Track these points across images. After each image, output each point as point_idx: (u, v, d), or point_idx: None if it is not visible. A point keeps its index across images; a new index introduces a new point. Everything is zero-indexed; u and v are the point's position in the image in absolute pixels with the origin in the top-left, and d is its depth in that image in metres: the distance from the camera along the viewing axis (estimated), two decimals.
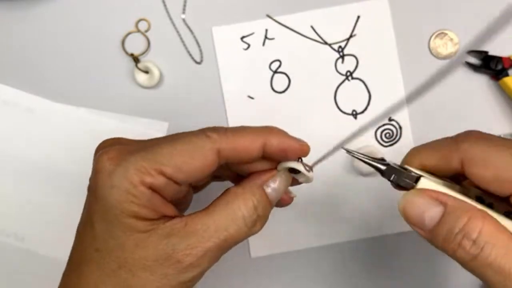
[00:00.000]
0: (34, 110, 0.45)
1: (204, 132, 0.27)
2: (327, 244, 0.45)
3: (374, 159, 0.29)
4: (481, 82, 0.45)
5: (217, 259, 0.27)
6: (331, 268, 0.45)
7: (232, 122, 0.45)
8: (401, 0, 0.45)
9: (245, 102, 0.45)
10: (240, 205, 0.27)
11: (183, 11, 0.46)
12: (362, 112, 0.45)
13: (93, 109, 0.45)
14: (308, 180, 0.30)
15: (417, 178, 0.27)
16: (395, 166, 0.28)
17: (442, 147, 0.27)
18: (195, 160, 0.26)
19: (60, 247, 0.45)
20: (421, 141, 0.44)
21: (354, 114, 0.45)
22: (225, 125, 0.45)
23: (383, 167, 0.28)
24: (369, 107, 0.45)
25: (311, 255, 0.45)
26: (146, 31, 0.45)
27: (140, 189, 0.25)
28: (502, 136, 0.43)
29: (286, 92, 0.45)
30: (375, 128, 0.45)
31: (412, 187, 0.27)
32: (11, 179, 0.45)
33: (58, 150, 0.45)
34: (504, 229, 0.24)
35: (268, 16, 0.45)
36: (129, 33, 0.45)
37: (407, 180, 0.27)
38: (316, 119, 0.45)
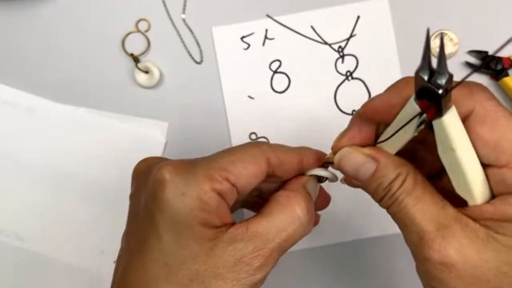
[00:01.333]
0: (34, 110, 0.45)
1: (255, 143, 0.30)
2: (327, 244, 0.45)
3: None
4: (481, 82, 0.44)
5: (278, 259, 0.28)
6: (331, 268, 0.45)
7: (232, 122, 0.45)
8: (401, 0, 0.45)
9: (245, 102, 0.45)
10: (295, 206, 0.28)
11: (183, 11, 0.46)
12: None
13: (93, 109, 0.45)
14: (333, 180, 0.32)
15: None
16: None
17: (457, 91, 0.25)
18: (252, 167, 0.28)
19: (60, 247, 0.45)
20: None
21: None
22: (225, 125, 0.45)
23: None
24: None
25: (311, 255, 0.45)
26: (146, 31, 0.46)
27: (211, 195, 0.26)
28: None
29: (286, 92, 0.45)
30: None
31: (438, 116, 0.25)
32: (11, 179, 0.45)
33: (58, 150, 0.45)
34: (425, 185, 0.26)
35: (268, 16, 0.45)
36: (129, 33, 0.45)
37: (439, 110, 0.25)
38: (316, 119, 0.45)
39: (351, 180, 0.29)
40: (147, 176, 0.28)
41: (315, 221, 0.32)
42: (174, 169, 0.27)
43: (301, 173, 0.31)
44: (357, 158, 0.28)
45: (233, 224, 0.27)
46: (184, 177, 0.26)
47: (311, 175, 0.31)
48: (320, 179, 0.32)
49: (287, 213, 0.28)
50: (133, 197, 0.30)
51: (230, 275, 0.26)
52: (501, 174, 0.24)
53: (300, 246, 0.45)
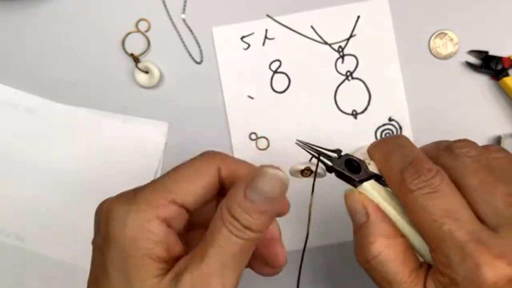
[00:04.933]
0: (34, 110, 0.45)
1: (204, 153, 0.28)
2: (327, 244, 0.45)
3: (326, 151, 0.29)
4: (481, 82, 0.45)
5: (230, 277, 0.25)
6: (331, 268, 0.45)
7: (232, 122, 0.45)
8: (401, 0, 0.45)
9: (245, 102, 0.45)
10: (222, 219, 0.25)
11: (183, 11, 0.46)
12: (362, 112, 0.45)
13: (93, 109, 0.45)
14: (321, 176, 0.30)
15: (367, 178, 0.28)
16: (339, 167, 0.29)
17: (390, 173, 0.27)
18: (199, 180, 0.26)
19: (60, 247, 0.45)
20: (421, 141, 0.44)
21: (354, 114, 0.45)
22: (225, 125, 0.45)
23: (328, 163, 0.29)
24: (369, 107, 0.45)
25: (311, 255, 0.45)
26: (146, 31, 0.46)
27: (155, 224, 0.24)
28: (502, 136, 0.43)
29: (286, 92, 0.45)
30: (374, 128, 0.45)
31: (355, 186, 0.29)
32: (11, 179, 0.45)
33: (58, 150, 0.45)
34: (405, 260, 0.26)
35: (268, 16, 0.45)
36: (129, 33, 0.45)
37: (352, 181, 0.29)
38: (316, 119, 0.45)
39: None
40: (100, 217, 0.27)
41: (283, 211, 0.30)
42: (117, 200, 0.26)
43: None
44: (355, 204, 0.28)
45: (179, 257, 0.25)
46: (126, 207, 0.25)
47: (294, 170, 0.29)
48: (304, 172, 0.29)
49: (220, 238, 0.25)
50: (93, 243, 0.28)
51: None
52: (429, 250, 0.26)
53: (300, 246, 0.45)
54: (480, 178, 0.26)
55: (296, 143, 0.29)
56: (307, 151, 0.29)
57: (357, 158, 0.29)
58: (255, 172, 0.25)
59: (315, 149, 0.29)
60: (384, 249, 0.26)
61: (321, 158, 0.29)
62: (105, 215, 0.25)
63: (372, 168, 0.29)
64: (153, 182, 0.26)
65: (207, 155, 0.28)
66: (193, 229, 0.30)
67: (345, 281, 0.45)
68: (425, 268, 0.27)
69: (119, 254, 0.24)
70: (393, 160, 0.27)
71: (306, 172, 0.29)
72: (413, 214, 0.26)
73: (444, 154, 0.27)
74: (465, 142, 0.27)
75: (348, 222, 0.30)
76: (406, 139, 0.29)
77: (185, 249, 0.26)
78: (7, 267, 0.45)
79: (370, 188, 0.28)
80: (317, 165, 0.29)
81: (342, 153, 0.29)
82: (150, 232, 0.24)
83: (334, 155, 0.29)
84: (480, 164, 0.26)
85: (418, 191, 0.25)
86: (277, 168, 0.26)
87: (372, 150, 0.29)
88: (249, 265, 0.30)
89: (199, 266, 0.24)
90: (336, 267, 0.45)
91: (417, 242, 0.27)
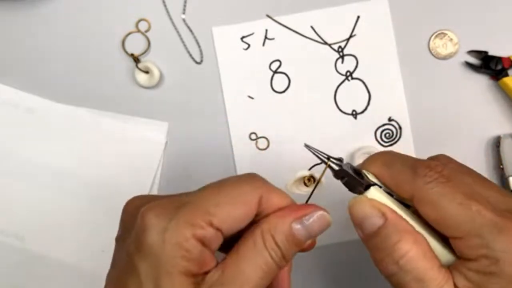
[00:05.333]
0: (34, 110, 0.45)
1: (250, 177, 0.28)
2: (327, 244, 0.45)
3: (332, 158, 0.29)
4: (480, 82, 0.45)
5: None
6: (331, 267, 0.45)
7: (232, 122, 0.45)
8: (401, 0, 0.45)
9: (245, 102, 0.45)
10: (265, 244, 0.26)
11: (183, 11, 0.46)
12: (362, 112, 0.45)
13: (93, 109, 0.45)
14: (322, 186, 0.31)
15: (368, 186, 0.28)
16: (348, 170, 0.28)
17: (399, 175, 0.28)
18: (241, 209, 0.26)
19: (60, 247, 0.45)
20: (421, 141, 0.45)
21: (354, 114, 0.45)
22: (225, 125, 0.45)
23: (336, 167, 0.29)
24: (369, 107, 0.45)
25: (311, 255, 0.45)
26: (146, 31, 0.46)
27: (192, 243, 0.25)
28: (502, 136, 0.43)
29: (286, 92, 0.45)
30: (374, 128, 0.45)
31: (361, 193, 0.28)
32: (11, 179, 0.45)
33: (58, 150, 0.45)
34: (432, 256, 0.26)
35: (268, 16, 0.45)
36: (129, 33, 0.45)
37: (359, 187, 0.28)
38: (316, 119, 0.45)
39: (355, 229, 0.28)
40: (133, 219, 0.27)
41: (310, 245, 0.30)
42: (158, 213, 0.26)
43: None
44: (366, 209, 0.27)
45: (210, 270, 0.26)
46: (166, 222, 0.25)
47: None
48: (307, 183, 0.30)
49: (256, 255, 0.26)
50: (119, 241, 0.29)
51: None
52: (454, 244, 0.26)
53: None
54: (473, 177, 0.27)
55: (305, 147, 0.29)
56: (316, 155, 0.29)
57: (357, 167, 0.29)
58: (302, 208, 0.27)
59: (323, 154, 0.29)
60: (413, 245, 0.26)
61: (330, 164, 0.29)
62: (141, 223, 0.26)
63: (372, 178, 0.29)
64: (195, 198, 0.26)
65: (252, 181, 0.28)
66: None
67: (341, 281, 0.45)
68: (446, 267, 0.26)
69: (154, 267, 0.25)
70: (397, 164, 0.28)
71: (307, 181, 0.29)
72: (433, 206, 0.26)
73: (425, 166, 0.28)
74: (441, 156, 0.29)
75: (343, 224, 0.29)
76: (394, 151, 0.30)
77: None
78: (7, 267, 0.45)
79: (378, 193, 0.28)
80: (325, 169, 0.29)
81: (344, 162, 0.29)
82: (186, 251, 0.25)
83: (337, 162, 0.29)
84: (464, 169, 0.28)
85: (435, 182, 0.26)
86: (322, 208, 0.28)
87: (368, 165, 0.29)
88: None
89: (233, 282, 0.25)
90: (331, 267, 0.45)
91: (434, 242, 0.27)
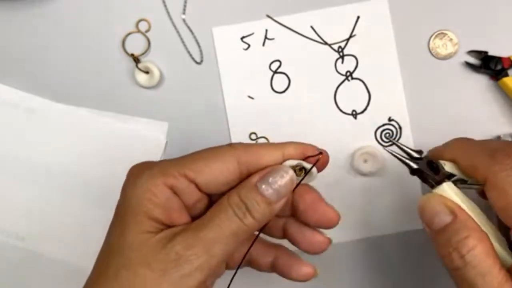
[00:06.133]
0: (34, 110, 0.45)
1: (229, 144, 0.29)
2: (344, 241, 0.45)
3: (412, 151, 0.31)
4: (480, 82, 0.45)
5: (217, 255, 0.27)
6: (331, 267, 0.45)
7: (232, 122, 0.45)
8: (401, 0, 0.45)
9: (245, 102, 0.45)
10: (228, 199, 0.28)
11: (183, 11, 0.46)
12: (362, 112, 0.45)
13: (94, 109, 0.45)
14: (311, 178, 0.30)
15: (439, 182, 0.30)
16: (424, 166, 0.30)
17: (477, 157, 0.29)
18: (216, 164, 0.28)
19: (60, 247, 0.45)
20: (421, 141, 0.45)
21: (354, 114, 0.45)
22: (225, 125, 0.45)
23: (414, 166, 0.30)
24: (369, 107, 0.45)
25: (311, 255, 0.45)
26: (147, 31, 0.46)
27: (160, 188, 0.27)
28: (501, 136, 0.43)
29: (286, 92, 0.45)
30: (374, 128, 0.45)
31: (433, 186, 0.30)
32: (11, 179, 0.45)
33: (58, 150, 0.45)
34: (495, 256, 0.27)
35: (268, 16, 0.45)
36: (129, 33, 0.45)
37: (431, 181, 0.30)
38: (316, 119, 0.45)
39: (424, 226, 0.29)
40: None
41: (322, 244, 0.32)
42: (140, 166, 0.28)
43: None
44: (436, 206, 0.29)
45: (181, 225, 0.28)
46: (141, 171, 0.28)
47: (280, 168, 0.29)
48: (297, 172, 0.29)
49: (222, 208, 0.27)
50: None
51: (158, 265, 0.25)
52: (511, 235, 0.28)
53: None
54: None
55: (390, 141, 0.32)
56: (393, 154, 0.31)
57: (435, 156, 0.31)
58: (269, 168, 0.28)
59: (399, 147, 0.31)
60: (479, 243, 0.27)
61: (407, 161, 0.30)
62: (127, 176, 0.28)
63: (448, 168, 0.30)
64: (175, 158, 0.28)
65: (231, 145, 0.29)
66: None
67: (351, 279, 0.46)
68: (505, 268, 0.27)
69: (124, 209, 0.27)
70: (476, 148, 0.30)
71: (298, 171, 0.30)
72: (504, 193, 0.27)
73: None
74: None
75: (354, 221, 0.30)
76: (473, 139, 0.32)
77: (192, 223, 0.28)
78: (7, 267, 0.45)
79: (449, 189, 0.29)
80: (311, 168, 0.30)
81: (423, 155, 0.31)
82: (153, 195, 0.27)
83: (417, 155, 0.31)
84: None
85: (511, 170, 0.27)
86: (301, 161, 0.29)
87: (447, 151, 0.31)
88: (297, 243, 0.33)
89: (195, 233, 0.26)
90: (342, 265, 0.45)
91: (496, 243, 0.28)
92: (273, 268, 0.34)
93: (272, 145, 0.30)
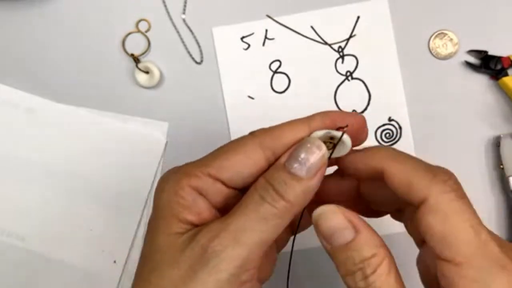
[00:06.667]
0: (34, 110, 0.45)
1: (250, 132, 0.27)
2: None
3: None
4: (480, 82, 0.45)
5: (246, 245, 0.24)
6: (331, 268, 0.45)
7: (232, 122, 0.45)
8: (401, 0, 0.45)
9: (245, 102, 0.45)
10: (255, 185, 0.26)
11: (183, 11, 0.46)
12: (362, 112, 0.45)
13: (94, 109, 0.45)
14: (345, 149, 0.27)
15: None
16: None
17: (414, 173, 0.25)
18: (238, 157, 0.26)
19: (60, 247, 0.45)
20: (421, 141, 0.45)
21: None
22: (225, 125, 0.45)
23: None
24: (369, 107, 0.45)
25: (311, 255, 0.45)
26: (147, 31, 0.46)
27: (187, 191, 0.26)
28: (502, 136, 0.43)
29: (286, 92, 0.45)
30: (374, 128, 0.45)
31: None
32: (11, 179, 0.45)
33: (58, 150, 0.45)
34: (397, 273, 0.24)
35: (268, 16, 0.45)
36: (129, 33, 0.45)
37: None
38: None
39: (321, 240, 0.26)
40: None
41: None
42: (168, 172, 0.28)
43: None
44: (338, 221, 0.25)
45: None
46: (168, 176, 0.27)
47: (311, 141, 0.26)
48: (328, 145, 0.26)
49: (248, 208, 0.25)
50: None
51: (185, 263, 0.24)
52: (443, 268, 0.23)
53: (300, 246, 0.45)
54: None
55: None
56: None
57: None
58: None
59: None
60: (383, 260, 0.24)
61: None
62: (157, 183, 0.28)
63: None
64: (200, 158, 0.28)
65: (252, 133, 0.27)
66: None
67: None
68: None
69: (155, 215, 0.27)
70: (410, 162, 0.25)
71: (328, 143, 0.26)
72: (444, 218, 0.23)
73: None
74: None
75: None
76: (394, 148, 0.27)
77: None
78: (7, 267, 0.45)
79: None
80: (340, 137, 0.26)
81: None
82: (180, 197, 0.26)
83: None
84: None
85: (455, 193, 0.23)
86: (330, 131, 0.26)
87: (378, 159, 0.27)
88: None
89: (220, 224, 0.25)
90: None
91: None
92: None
93: (295, 122, 0.27)
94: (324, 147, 0.25)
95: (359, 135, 0.28)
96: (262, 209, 0.24)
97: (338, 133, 0.26)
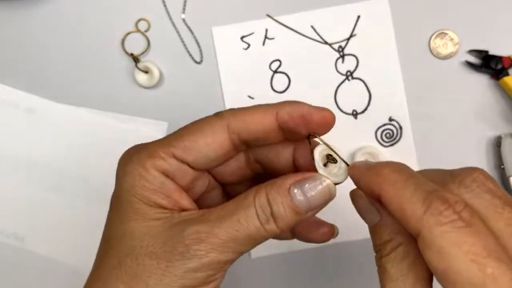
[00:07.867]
0: (34, 110, 0.45)
1: (217, 113, 0.27)
2: (327, 244, 0.45)
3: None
4: (481, 81, 0.45)
5: (229, 253, 0.25)
6: (331, 268, 0.45)
7: None
8: (401, 0, 0.45)
9: (245, 102, 0.45)
10: (254, 197, 0.25)
11: (183, 11, 0.46)
12: (362, 112, 0.45)
13: (93, 109, 0.45)
14: (340, 177, 0.26)
15: None
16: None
17: (408, 203, 0.22)
18: (204, 138, 0.26)
19: (60, 247, 0.45)
20: (421, 141, 0.45)
21: (355, 114, 0.45)
22: None
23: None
24: (369, 107, 0.45)
25: (311, 255, 0.45)
26: (146, 31, 0.46)
27: (152, 173, 0.25)
28: (502, 135, 0.43)
29: (286, 92, 0.45)
30: (375, 128, 0.45)
31: None
32: (11, 179, 0.45)
33: (58, 150, 0.45)
34: (415, 267, 0.24)
35: (268, 16, 0.45)
36: (129, 33, 0.45)
37: None
38: None
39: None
40: None
41: (325, 235, 0.31)
42: (129, 150, 0.27)
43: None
44: (364, 205, 0.25)
45: (186, 209, 0.26)
46: (130, 157, 0.26)
47: (320, 155, 0.26)
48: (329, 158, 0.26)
49: (244, 204, 0.25)
50: None
51: (165, 256, 0.24)
52: None
53: (300, 246, 0.45)
54: (507, 219, 0.22)
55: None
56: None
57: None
58: (305, 173, 0.26)
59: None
60: (397, 247, 0.24)
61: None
62: (118, 162, 0.27)
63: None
64: (162, 138, 0.27)
65: (218, 114, 0.27)
66: (215, 189, 0.31)
67: (351, 279, 0.45)
68: None
69: (118, 197, 0.26)
70: (409, 188, 0.22)
71: (330, 159, 0.27)
72: (440, 254, 0.21)
73: (456, 187, 0.23)
74: (477, 173, 0.23)
75: (354, 221, 0.29)
76: (409, 168, 0.24)
77: (196, 204, 0.27)
78: (7, 267, 0.45)
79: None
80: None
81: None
82: (146, 181, 0.25)
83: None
84: (502, 201, 0.22)
85: (451, 225, 0.21)
86: (326, 177, 0.26)
87: (377, 183, 0.24)
88: (304, 239, 0.32)
89: (209, 228, 0.24)
90: (342, 265, 0.45)
91: None
92: (293, 233, 0.32)
93: (263, 108, 0.27)
94: (334, 195, 0.26)
95: (325, 130, 0.28)
96: (253, 227, 0.25)
97: (337, 157, 0.27)
